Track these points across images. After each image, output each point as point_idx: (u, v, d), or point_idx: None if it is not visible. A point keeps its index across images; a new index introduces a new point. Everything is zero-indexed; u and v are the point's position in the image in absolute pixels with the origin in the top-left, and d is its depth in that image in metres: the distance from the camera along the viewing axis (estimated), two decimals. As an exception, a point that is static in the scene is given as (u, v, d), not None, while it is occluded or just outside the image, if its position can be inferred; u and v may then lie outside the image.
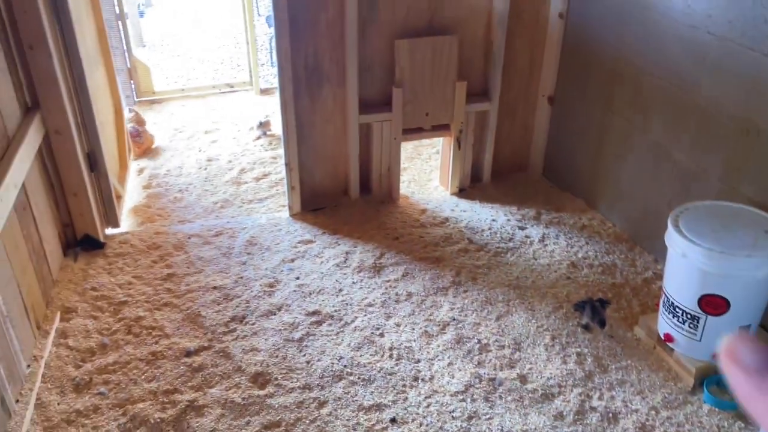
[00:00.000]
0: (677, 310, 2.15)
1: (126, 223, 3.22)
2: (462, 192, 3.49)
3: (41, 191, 2.61)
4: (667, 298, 2.20)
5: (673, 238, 2.09)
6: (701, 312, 2.08)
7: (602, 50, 2.98)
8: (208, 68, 5.52)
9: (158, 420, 2.07)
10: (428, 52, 3.08)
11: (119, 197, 3.26)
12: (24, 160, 2.34)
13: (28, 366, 2.23)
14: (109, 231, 3.08)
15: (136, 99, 4.71)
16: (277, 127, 4.24)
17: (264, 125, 4.15)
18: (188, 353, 2.36)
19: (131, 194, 3.51)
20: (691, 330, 2.13)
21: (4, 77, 2.35)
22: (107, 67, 3.63)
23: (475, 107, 3.31)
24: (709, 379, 2.16)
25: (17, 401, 2.08)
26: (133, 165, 3.80)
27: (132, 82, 4.69)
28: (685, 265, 2.06)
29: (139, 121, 4.08)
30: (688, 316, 2.12)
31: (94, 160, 2.92)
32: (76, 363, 2.31)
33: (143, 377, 2.25)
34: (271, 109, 4.58)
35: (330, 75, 3.07)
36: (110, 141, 3.38)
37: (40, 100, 2.60)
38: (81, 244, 2.91)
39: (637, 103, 2.80)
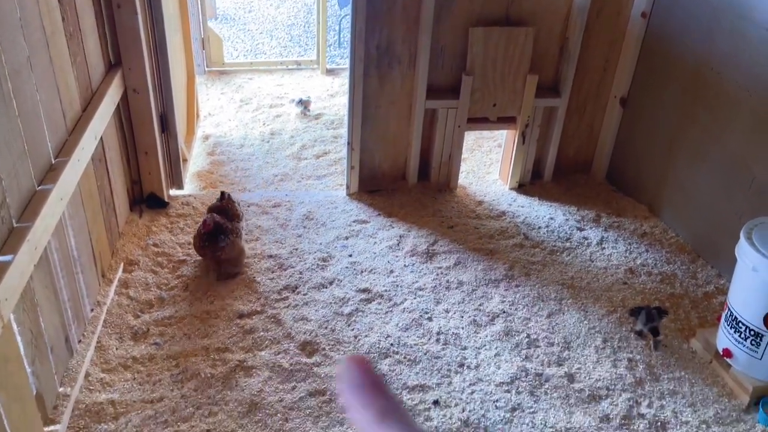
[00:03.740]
0: (740, 325, 2.08)
1: (189, 186, 3.32)
2: (521, 187, 3.45)
3: (116, 146, 2.71)
4: (731, 312, 2.12)
5: (744, 251, 2.02)
6: (766, 330, 2.00)
7: (685, 55, 2.88)
8: (277, 44, 5.61)
9: (209, 375, 2.14)
10: (502, 42, 3.04)
11: (185, 160, 3.35)
12: (104, 114, 2.44)
13: (92, 310, 2.33)
14: (174, 192, 3.18)
15: (206, 69, 4.82)
16: (325, 107, 4.28)
17: (304, 103, 4.18)
18: (241, 315, 2.42)
19: (196, 159, 3.60)
20: (753, 347, 2.06)
21: (93, 33, 2.45)
22: (185, 34, 3.72)
23: (544, 102, 3.25)
24: (765, 400, 2.08)
25: (79, 341, 2.18)
26: (199, 131, 3.90)
27: (204, 51, 4.80)
28: (755, 279, 1.98)
29: (234, 214, 2.69)
30: (752, 332, 2.04)
31: (166, 122, 3.01)
32: (135, 313, 2.40)
33: (197, 333, 2.32)
34: (336, 89, 4.62)
35: (401, 57, 3.08)
36: (181, 105, 3.47)
37: (123, 58, 2.69)
38: (146, 201, 3.01)
39: (718, 112, 2.70)
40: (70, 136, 2.15)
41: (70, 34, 2.19)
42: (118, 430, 1.93)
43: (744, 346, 2.09)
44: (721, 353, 2.19)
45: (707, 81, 2.74)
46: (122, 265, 2.61)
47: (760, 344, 2.04)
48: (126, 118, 2.81)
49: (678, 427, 2.03)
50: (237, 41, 5.63)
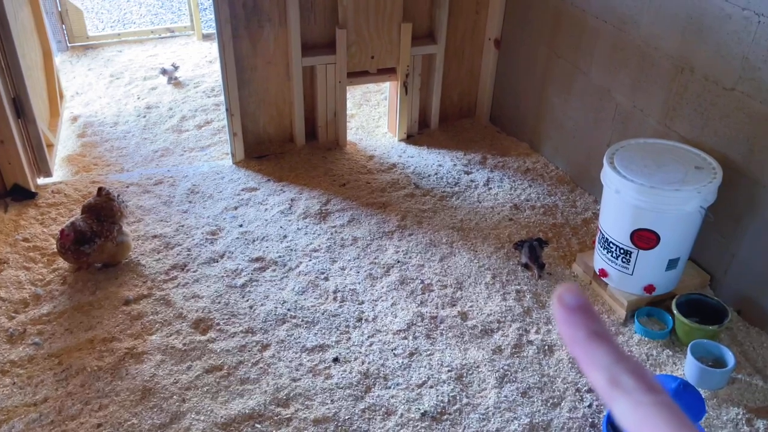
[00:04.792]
0: (611, 245, 2.21)
1: (59, 172, 3.09)
2: (410, 138, 3.47)
3: (-38, 138, 2.47)
4: (602, 234, 2.25)
5: (607, 176, 2.13)
6: (633, 246, 2.14)
7: (546, -10, 2.95)
8: (146, 12, 5.26)
9: (95, 368, 2.04)
10: (371, -9, 2.99)
11: (50, 146, 3.11)
12: (-62, 104, 2.20)
13: (-44, 318, 2.15)
14: (41, 181, 2.95)
15: (68, 44, 4.46)
16: (204, 74, 4.09)
17: (168, 73, 3.98)
18: (127, 302, 2.31)
19: (64, 143, 3.35)
20: (624, 264, 2.20)
21: None
22: (34, 8, 3.40)
23: (421, 50, 3.25)
24: (640, 311, 2.25)
25: (-55, 354, 2.01)
26: (66, 113, 3.62)
27: (63, 26, 4.43)
28: (619, 201, 2.10)
29: (108, 213, 2.42)
30: (621, 251, 2.18)
31: (21, 106, 2.77)
32: (8, 314, 2.23)
33: (79, 327, 2.19)
34: (215, 55, 4.41)
35: (270, 14, 2.96)
36: (39, 86, 3.20)
37: (-45, 40, 2.42)
38: (11, 194, 2.78)
39: (580, 45, 2.80)
40: None
41: None
42: (-1, 440, 1.81)
43: (616, 264, 2.23)
44: (598, 273, 2.33)
45: (569, 16, 2.83)
46: (-12, 265, 2.41)
47: (630, 261, 2.18)
48: (-30, 105, 2.55)
49: (563, 348, 2.16)
50: (101, 12, 5.23)
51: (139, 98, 3.84)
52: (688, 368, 2.03)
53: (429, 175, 3.13)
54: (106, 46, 4.51)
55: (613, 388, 0.35)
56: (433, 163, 3.23)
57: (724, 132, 2.19)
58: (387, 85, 3.53)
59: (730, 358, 2.01)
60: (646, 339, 2.19)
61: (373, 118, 3.74)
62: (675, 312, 2.14)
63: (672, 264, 2.18)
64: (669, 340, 2.19)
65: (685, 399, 1.74)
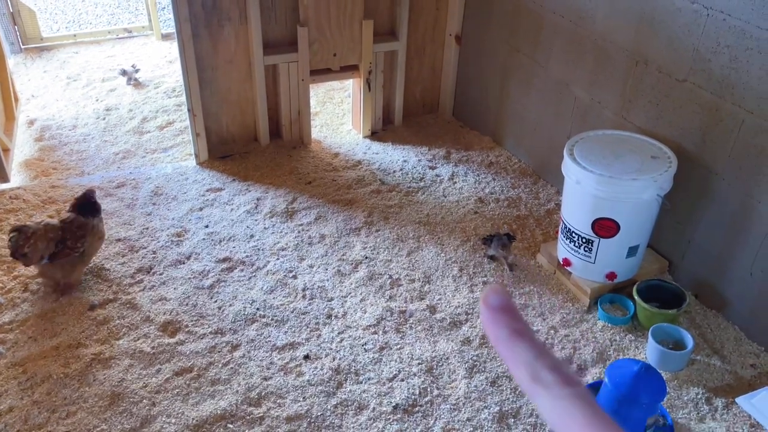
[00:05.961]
0: (574, 235, 2.27)
1: (17, 178, 3.02)
2: (374, 135, 3.49)
3: None
4: (565, 225, 2.31)
5: (568, 167, 2.19)
6: (595, 235, 2.20)
7: (505, -13, 2.99)
8: (103, 12, 5.15)
9: (62, 375, 2.00)
10: (332, -11, 2.99)
11: (6, 150, 3.03)
12: None
13: None
14: (-2, 186, 2.88)
15: (22, 46, 4.34)
16: (165, 75, 4.04)
17: (128, 74, 3.91)
18: (92, 307, 2.27)
19: (21, 147, 3.27)
20: (586, 253, 2.26)
21: None
22: (-17, 8, 3.31)
23: (383, 47, 3.27)
24: (603, 298, 2.31)
25: None
26: (22, 117, 3.53)
27: (16, 27, 4.31)
28: (580, 191, 2.16)
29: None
30: (584, 240, 2.24)
31: (-27, 110, 2.69)
32: (-33, 325, 2.18)
33: (44, 334, 2.15)
34: (175, 55, 4.35)
35: (231, 13, 2.94)
36: (-8, 90, 3.12)
37: None
38: (-34, 201, 2.70)
39: (539, 40, 2.86)
40: None
41: None
42: (-38, 453, 1.76)
43: (579, 253, 2.29)
44: (562, 263, 2.38)
45: (527, 11, 2.88)
46: (-56, 275, 2.34)
47: (592, 249, 2.24)
48: None
49: (530, 336, 2.20)
50: (56, 12, 5.10)
51: (97, 100, 3.77)
52: (649, 351, 2.10)
53: (394, 171, 3.15)
54: (62, 48, 4.41)
55: (534, 384, 0.36)
56: (398, 159, 3.25)
57: (678, 122, 2.27)
58: (350, 82, 3.54)
59: (689, 341, 2.08)
60: (609, 325, 2.26)
61: (337, 115, 3.75)
62: (636, 298, 2.21)
63: (632, 251, 2.25)
64: (631, 325, 2.26)
65: (647, 381, 1.80)
